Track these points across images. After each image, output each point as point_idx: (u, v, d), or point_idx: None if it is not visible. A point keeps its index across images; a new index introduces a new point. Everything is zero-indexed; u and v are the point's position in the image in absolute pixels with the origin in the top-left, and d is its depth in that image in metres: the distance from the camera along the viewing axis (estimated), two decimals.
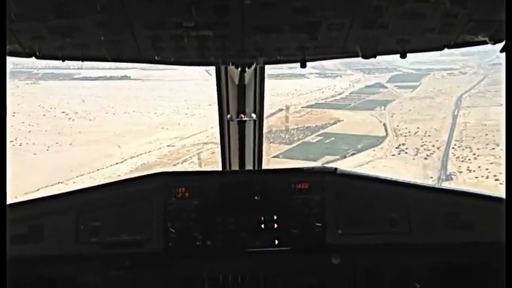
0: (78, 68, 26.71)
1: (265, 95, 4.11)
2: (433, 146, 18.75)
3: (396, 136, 20.20)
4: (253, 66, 3.25)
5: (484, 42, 2.19)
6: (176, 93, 25.96)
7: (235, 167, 4.36)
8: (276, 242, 3.70)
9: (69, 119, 22.16)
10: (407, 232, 3.69)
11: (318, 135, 20.84)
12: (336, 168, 3.93)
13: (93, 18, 1.86)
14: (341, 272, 3.79)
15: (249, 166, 4.34)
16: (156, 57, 2.38)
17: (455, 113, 21.55)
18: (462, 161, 17.53)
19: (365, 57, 2.34)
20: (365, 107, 24.11)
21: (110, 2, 1.75)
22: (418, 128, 20.32)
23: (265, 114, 4.28)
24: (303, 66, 2.44)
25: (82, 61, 2.37)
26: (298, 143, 20.01)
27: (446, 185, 15.93)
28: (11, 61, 2.28)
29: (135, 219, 3.69)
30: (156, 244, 3.65)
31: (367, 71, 27.83)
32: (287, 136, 19.95)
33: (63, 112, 23.07)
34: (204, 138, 19.51)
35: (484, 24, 2.02)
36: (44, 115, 22.84)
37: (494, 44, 2.10)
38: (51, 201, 3.78)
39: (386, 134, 20.46)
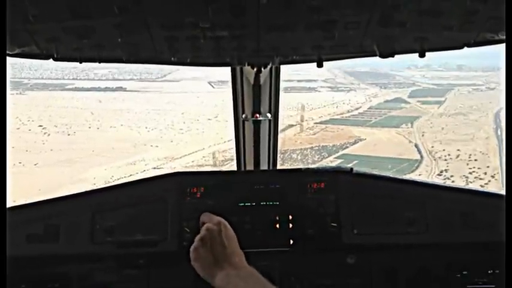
0: (72, 79, 25.60)
1: (279, 95, 4.13)
2: (485, 173, 15.32)
3: (434, 160, 16.78)
4: (268, 67, 3.40)
5: (504, 41, 2.04)
6: (174, 106, 23.58)
7: (249, 166, 4.43)
8: (291, 242, 3.70)
9: (45, 133, 19.20)
10: (424, 231, 3.67)
11: (337, 157, 17.52)
12: (351, 168, 3.93)
13: (110, 19, 1.79)
14: (357, 272, 3.77)
15: (263, 166, 4.38)
16: (172, 58, 2.41)
17: (498, 132, 18.46)
18: None
19: (382, 56, 2.22)
20: (388, 123, 21.39)
21: (127, 3, 1.69)
22: (458, 150, 17.01)
23: None
24: (320, 65, 2.39)
25: (99, 62, 2.30)
26: (314, 166, 16.71)
27: None
28: None
29: (149, 219, 3.72)
30: (171, 244, 3.67)
31: (383, 86, 25.99)
32: (300, 157, 16.79)
33: (40, 126, 20.24)
34: (200, 160, 16.38)
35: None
36: (18, 129, 20.08)
37: None
38: (67, 201, 3.80)
39: (421, 157, 17.12)
